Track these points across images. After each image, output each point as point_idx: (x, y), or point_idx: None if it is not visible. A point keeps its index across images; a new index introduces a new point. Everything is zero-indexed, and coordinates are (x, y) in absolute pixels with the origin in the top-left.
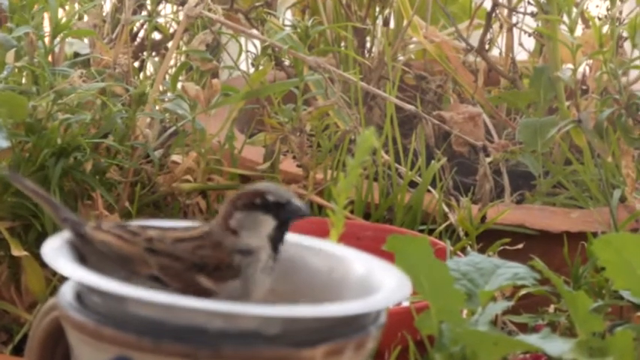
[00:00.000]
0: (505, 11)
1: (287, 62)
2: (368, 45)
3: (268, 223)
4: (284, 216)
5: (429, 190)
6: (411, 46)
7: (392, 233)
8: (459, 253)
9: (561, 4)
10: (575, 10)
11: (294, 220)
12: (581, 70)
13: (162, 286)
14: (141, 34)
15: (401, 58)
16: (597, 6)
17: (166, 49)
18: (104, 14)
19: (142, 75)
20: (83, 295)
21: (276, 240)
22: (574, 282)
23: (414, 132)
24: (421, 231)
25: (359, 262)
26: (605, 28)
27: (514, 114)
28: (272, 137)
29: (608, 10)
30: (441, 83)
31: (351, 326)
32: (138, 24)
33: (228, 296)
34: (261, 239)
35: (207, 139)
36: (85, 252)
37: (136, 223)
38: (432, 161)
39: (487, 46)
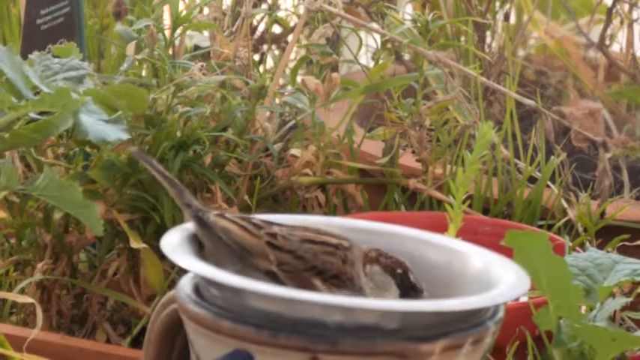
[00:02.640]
0: (626, 7)
1: (407, 56)
2: (488, 40)
3: (391, 295)
4: None
5: (548, 186)
6: (532, 41)
7: (510, 228)
8: (577, 248)
9: None
10: None
11: None
12: None
13: (277, 283)
14: (261, 27)
15: (521, 53)
16: None
17: (286, 42)
18: (224, 7)
19: (261, 68)
20: (201, 287)
21: None
22: None
23: (534, 127)
24: (540, 226)
25: (477, 257)
26: None
27: (634, 110)
28: (391, 131)
29: None
30: (561, 79)
31: (469, 321)
32: (258, 17)
33: None
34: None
35: (327, 133)
36: (203, 239)
37: (260, 217)
38: (552, 157)
39: (608, 42)
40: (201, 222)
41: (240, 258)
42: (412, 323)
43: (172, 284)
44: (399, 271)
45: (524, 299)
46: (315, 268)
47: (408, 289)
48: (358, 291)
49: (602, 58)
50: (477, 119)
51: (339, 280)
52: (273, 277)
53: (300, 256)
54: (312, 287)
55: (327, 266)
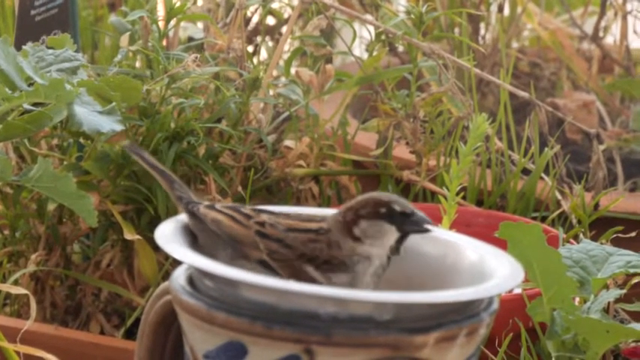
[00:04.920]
0: None
1: (401, 48)
2: (482, 31)
3: (392, 234)
4: (408, 228)
5: (542, 178)
6: (525, 32)
7: (504, 220)
8: (571, 240)
9: None
10: None
11: (418, 233)
12: None
13: (270, 272)
14: (255, 18)
15: (515, 44)
16: None
17: (280, 34)
18: None
19: (255, 60)
20: (195, 279)
21: (394, 251)
22: None
23: (528, 119)
24: (534, 218)
25: (471, 249)
26: None
27: (628, 102)
28: (385, 123)
29: None
30: (555, 70)
31: (463, 313)
32: (252, 9)
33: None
34: (383, 249)
35: (321, 125)
36: (195, 231)
37: (249, 206)
38: (545, 148)
39: (601, 34)
40: (192, 214)
41: (232, 248)
42: (406, 314)
43: (166, 275)
44: (383, 210)
45: (518, 291)
46: (305, 255)
47: (401, 220)
48: (354, 271)
49: (596, 50)
50: (471, 111)
51: (331, 265)
52: (265, 266)
53: (289, 244)
54: (305, 275)
55: (317, 253)
